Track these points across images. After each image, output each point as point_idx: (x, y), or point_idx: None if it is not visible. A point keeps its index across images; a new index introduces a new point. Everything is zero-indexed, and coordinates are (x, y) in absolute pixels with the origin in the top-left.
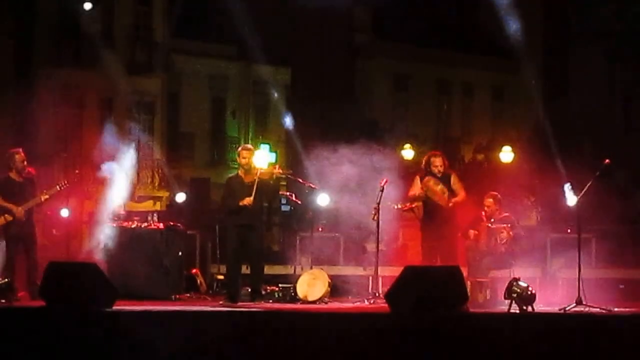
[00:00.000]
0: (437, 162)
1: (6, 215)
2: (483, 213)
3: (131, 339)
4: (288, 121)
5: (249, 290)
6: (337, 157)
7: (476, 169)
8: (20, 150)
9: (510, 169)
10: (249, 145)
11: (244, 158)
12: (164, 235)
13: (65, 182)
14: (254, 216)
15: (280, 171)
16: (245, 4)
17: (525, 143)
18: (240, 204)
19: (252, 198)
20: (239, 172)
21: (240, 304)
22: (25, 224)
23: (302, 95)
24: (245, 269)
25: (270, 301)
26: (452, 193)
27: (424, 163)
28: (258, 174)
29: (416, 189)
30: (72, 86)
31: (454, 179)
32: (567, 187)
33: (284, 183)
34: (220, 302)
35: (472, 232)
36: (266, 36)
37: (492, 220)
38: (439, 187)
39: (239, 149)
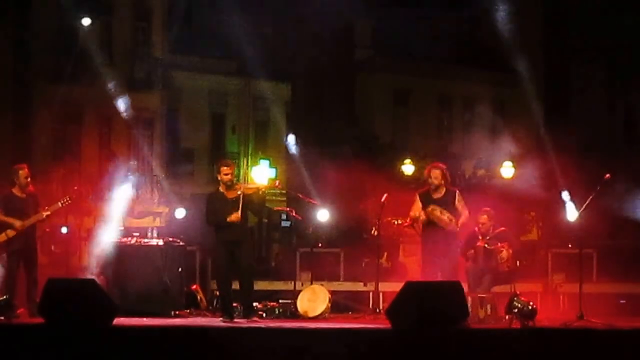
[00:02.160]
0: (434, 174)
1: (8, 231)
2: (476, 229)
3: (131, 355)
4: (290, 141)
5: (241, 307)
6: (337, 172)
7: (477, 184)
8: (25, 166)
9: (511, 184)
10: (229, 160)
11: (225, 174)
12: (164, 251)
13: (67, 198)
14: (241, 232)
15: (266, 185)
16: (245, 20)
17: (526, 158)
18: (228, 220)
19: (239, 214)
20: (220, 188)
21: (237, 320)
22: (27, 241)
23: (302, 111)
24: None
25: (263, 315)
26: (456, 212)
27: (425, 174)
28: (242, 189)
29: (416, 209)
30: (70, 102)
31: (458, 198)
32: (565, 195)
33: (284, 199)
34: (220, 319)
35: (470, 254)
36: (266, 52)
37: (488, 237)
38: (446, 216)
39: (219, 164)
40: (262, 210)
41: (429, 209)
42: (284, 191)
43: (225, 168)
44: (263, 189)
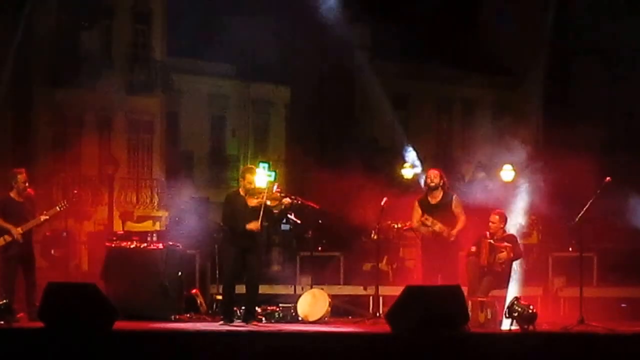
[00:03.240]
0: (431, 175)
1: (5, 236)
2: (488, 232)
3: (131, 359)
4: None
5: (242, 311)
6: (336, 175)
7: (477, 188)
8: (24, 170)
9: (511, 187)
10: (253, 168)
11: (249, 182)
12: (164, 255)
13: (65, 202)
14: (256, 239)
15: (289, 201)
16: (244, 23)
17: (526, 161)
18: (247, 227)
19: (259, 224)
20: (240, 191)
21: (237, 323)
22: (24, 245)
23: (301, 114)
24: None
25: (263, 319)
26: (453, 218)
27: (424, 179)
28: (265, 198)
29: (416, 218)
30: (70, 106)
31: (455, 202)
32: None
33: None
34: (220, 323)
35: (473, 247)
36: (265, 55)
37: (496, 238)
38: (437, 226)
39: (243, 170)
40: (279, 222)
41: (422, 218)
42: (291, 204)
43: (249, 176)
44: (287, 204)
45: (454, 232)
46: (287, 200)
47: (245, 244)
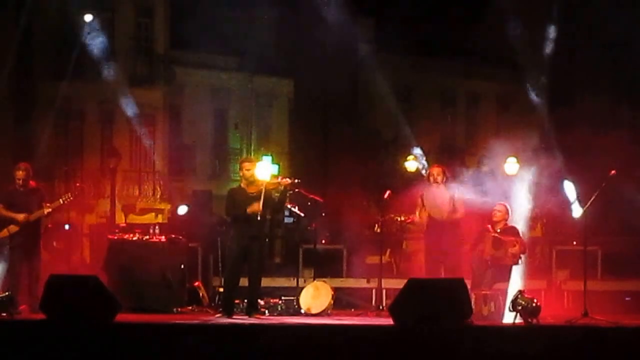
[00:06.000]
0: (434, 172)
1: (10, 227)
2: (489, 225)
3: (133, 352)
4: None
5: (245, 303)
6: (339, 168)
7: (480, 180)
8: (21, 165)
9: (515, 180)
10: (251, 157)
11: (247, 170)
12: (166, 248)
13: (69, 195)
14: (259, 227)
15: (288, 181)
16: (247, 16)
17: (530, 154)
18: (248, 210)
19: (260, 204)
20: (242, 184)
21: (237, 316)
22: (30, 236)
23: (304, 107)
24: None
25: (266, 311)
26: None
27: (427, 175)
28: (265, 184)
29: (418, 212)
30: (72, 99)
31: (457, 196)
32: (569, 191)
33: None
34: (217, 315)
35: (480, 246)
36: (268, 47)
37: (499, 229)
38: (443, 198)
39: (241, 161)
40: (281, 208)
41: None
42: (290, 188)
43: (247, 164)
44: (284, 183)
45: (453, 216)
46: (285, 180)
47: (249, 231)
